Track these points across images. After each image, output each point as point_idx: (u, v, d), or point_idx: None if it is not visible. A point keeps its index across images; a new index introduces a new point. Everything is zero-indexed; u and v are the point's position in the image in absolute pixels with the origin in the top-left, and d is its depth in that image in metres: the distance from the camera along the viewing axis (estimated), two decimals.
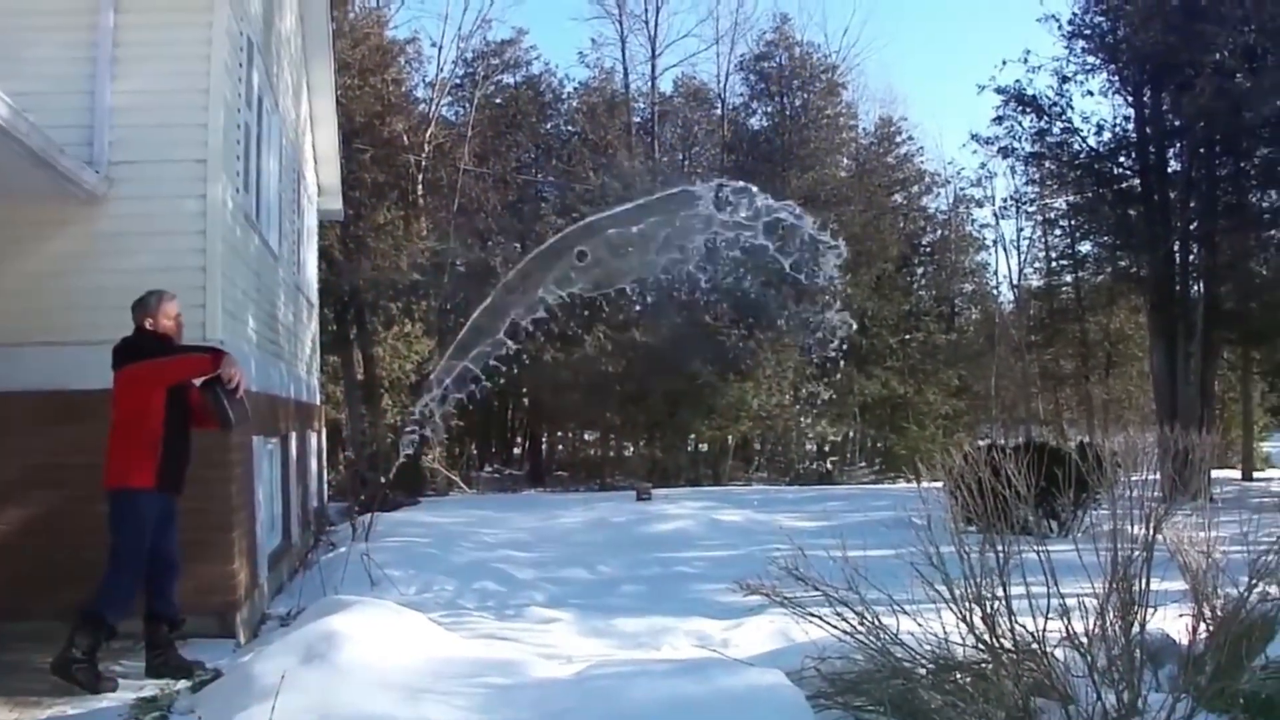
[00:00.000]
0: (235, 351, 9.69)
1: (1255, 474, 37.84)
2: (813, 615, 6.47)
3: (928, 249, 49.53)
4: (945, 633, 6.07)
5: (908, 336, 44.13)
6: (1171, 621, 6.35)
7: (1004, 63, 52.57)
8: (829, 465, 40.42)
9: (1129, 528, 6.06)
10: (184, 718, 6.19)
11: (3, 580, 9.04)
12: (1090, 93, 33.27)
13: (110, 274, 9.80)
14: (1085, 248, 41.74)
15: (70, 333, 9.75)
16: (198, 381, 8.46)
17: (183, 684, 7.65)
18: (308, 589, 11.83)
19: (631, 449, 41.39)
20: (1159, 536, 6.06)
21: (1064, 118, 32.09)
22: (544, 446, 46.88)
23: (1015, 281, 51.26)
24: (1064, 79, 31.49)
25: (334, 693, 5.90)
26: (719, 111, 45.14)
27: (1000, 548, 5.98)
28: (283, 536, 13.58)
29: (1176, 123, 30.06)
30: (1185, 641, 6.24)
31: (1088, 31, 31.13)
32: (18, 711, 7.36)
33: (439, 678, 6.31)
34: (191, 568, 8.97)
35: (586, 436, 46.40)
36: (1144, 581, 5.89)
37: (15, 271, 9.91)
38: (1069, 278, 46.15)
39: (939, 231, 49.94)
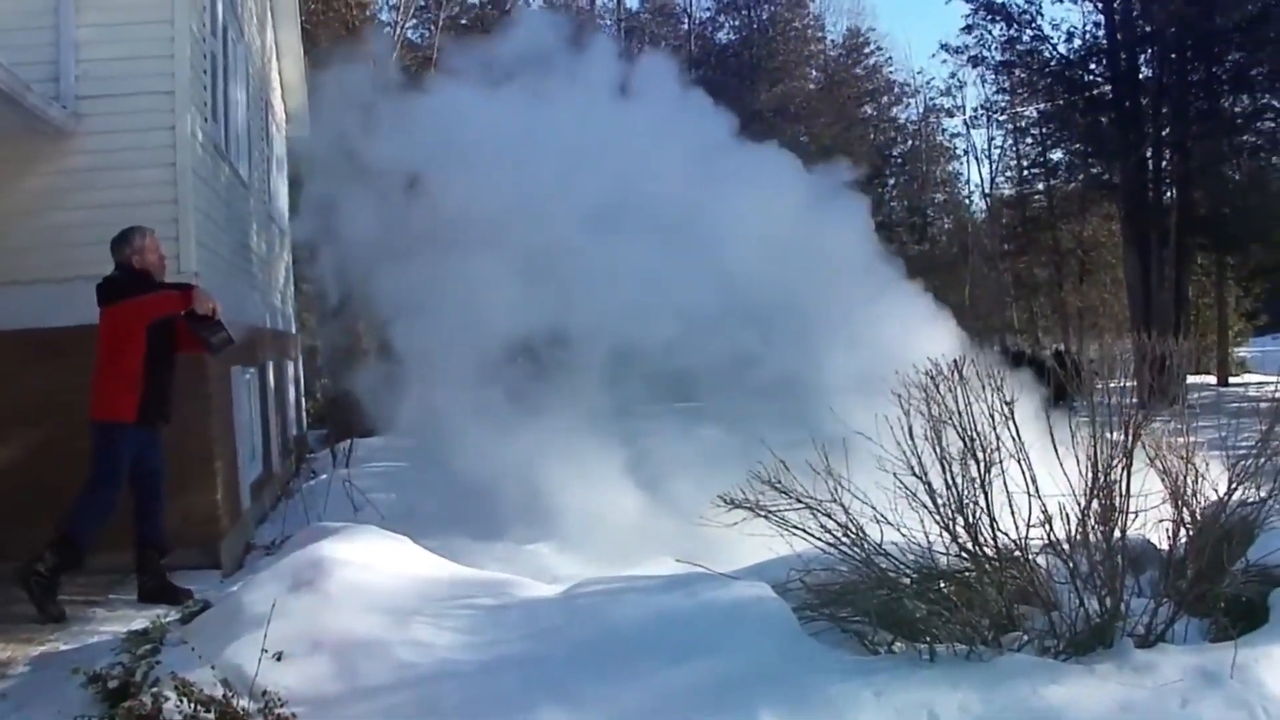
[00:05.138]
0: (209, 282, 9.68)
1: (1230, 379, 37.99)
2: (796, 528, 6.50)
3: (899, 160, 49.48)
4: (929, 542, 6.11)
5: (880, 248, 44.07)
6: (1152, 527, 6.40)
7: None
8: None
9: (1108, 434, 6.09)
10: (176, 649, 6.20)
11: None
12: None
13: (80, 210, 9.76)
14: (1057, 156, 41.59)
15: (41, 271, 9.70)
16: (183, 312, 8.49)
17: (173, 616, 7.69)
18: (291, 517, 11.86)
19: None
20: (1138, 442, 6.10)
21: (1034, 25, 32.05)
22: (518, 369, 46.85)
23: (987, 191, 51.29)
24: None
25: (324, 618, 5.94)
26: (686, 26, 44.80)
27: (981, 456, 6.01)
28: (264, 466, 13.61)
29: (1148, 28, 29.99)
30: (1166, 547, 6.28)
31: None
32: (11, 648, 7.40)
33: (427, 600, 6.34)
34: (174, 499, 9.02)
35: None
36: (1124, 487, 5.94)
37: None
38: (1041, 186, 46.06)
39: (910, 142, 49.88)
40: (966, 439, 6.06)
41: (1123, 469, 5.94)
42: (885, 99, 48.51)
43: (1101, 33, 31.51)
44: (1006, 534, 5.94)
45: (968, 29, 32.97)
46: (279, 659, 5.55)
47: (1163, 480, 6.40)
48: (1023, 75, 34.68)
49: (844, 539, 6.29)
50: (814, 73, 46.43)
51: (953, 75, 48.00)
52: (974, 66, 34.80)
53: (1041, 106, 37.21)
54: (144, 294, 8.49)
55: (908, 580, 6.14)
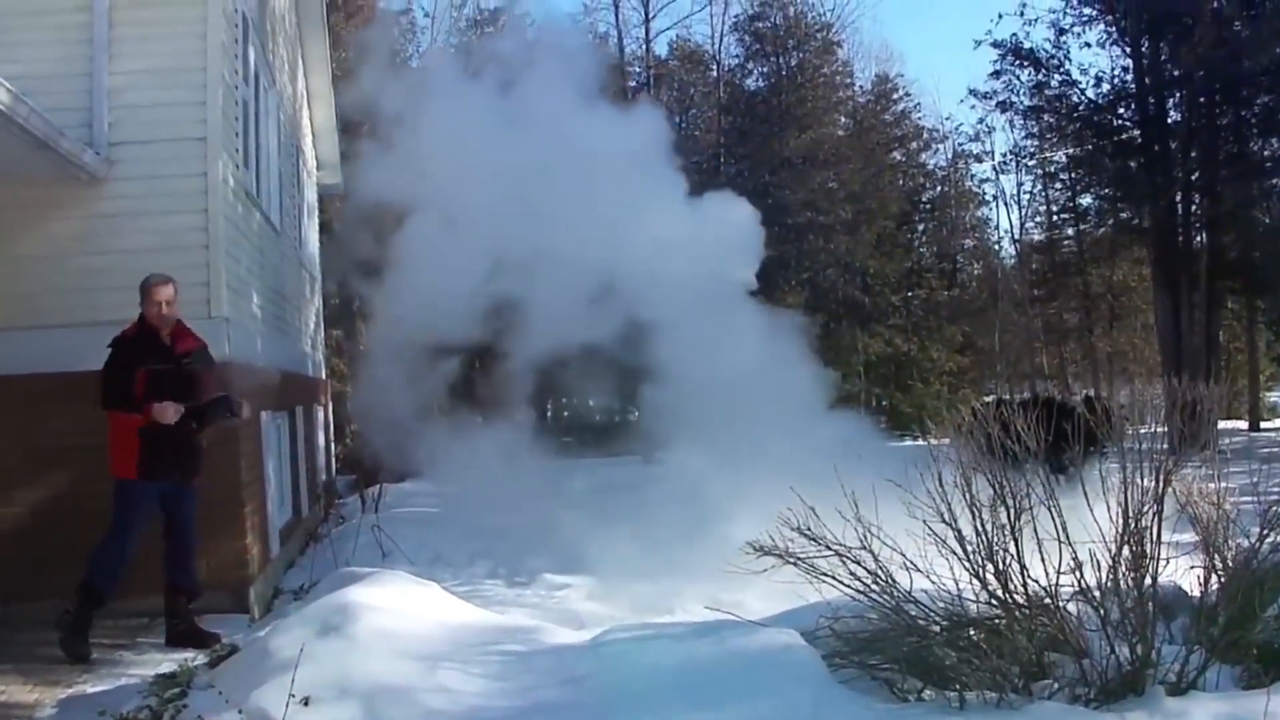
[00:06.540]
0: (239, 327, 9.73)
1: (1262, 424, 37.75)
2: (825, 575, 6.47)
3: (928, 205, 49.30)
4: (959, 589, 6.08)
5: (910, 294, 44.04)
6: (1183, 574, 6.36)
7: (1000, 16, 52.34)
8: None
9: (1139, 480, 6.06)
10: (203, 692, 6.21)
11: (12, 563, 9.09)
12: (1088, 44, 33.24)
13: (112, 255, 9.82)
14: (1086, 200, 41.57)
15: (72, 315, 9.74)
16: None
17: (200, 659, 7.70)
18: (320, 562, 11.86)
19: (636, 413, 41.25)
20: (1169, 489, 6.06)
21: (1062, 70, 32.09)
22: (549, 413, 46.83)
23: (1017, 236, 51.06)
24: (1061, 31, 31.50)
25: (352, 664, 5.95)
26: (715, 73, 44.92)
27: (1011, 503, 5.99)
28: (293, 511, 13.62)
29: (1175, 72, 29.99)
30: (1197, 593, 6.24)
31: None
32: (38, 691, 7.41)
33: (456, 646, 6.35)
34: (204, 544, 9.08)
35: (591, 403, 46.30)
36: (1155, 534, 5.91)
37: (16, 254, 9.89)
38: (1070, 231, 45.91)
39: (939, 188, 49.69)
40: (996, 485, 6.03)
41: (1154, 515, 5.91)
42: (914, 145, 48.32)
43: (1129, 77, 31.52)
44: (1037, 581, 5.91)
45: (996, 74, 33.03)
46: (306, 704, 5.55)
47: (1194, 526, 6.37)
48: (1051, 120, 34.63)
49: (873, 586, 6.26)
50: (843, 119, 46.30)
51: (981, 121, 47.93)
52: (1002, 112, 34.82)
53: (1070, 151, 37.11)
54: (120, 377, 8.53)
55: (937, 627, 6.11)
